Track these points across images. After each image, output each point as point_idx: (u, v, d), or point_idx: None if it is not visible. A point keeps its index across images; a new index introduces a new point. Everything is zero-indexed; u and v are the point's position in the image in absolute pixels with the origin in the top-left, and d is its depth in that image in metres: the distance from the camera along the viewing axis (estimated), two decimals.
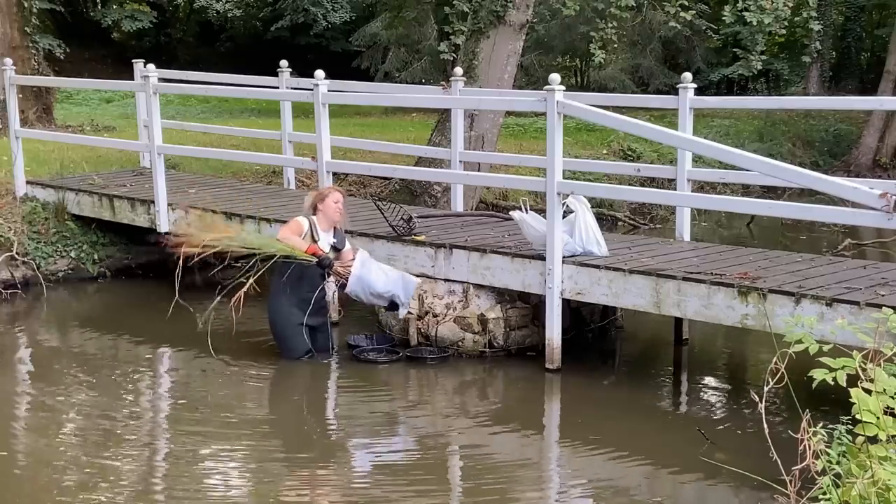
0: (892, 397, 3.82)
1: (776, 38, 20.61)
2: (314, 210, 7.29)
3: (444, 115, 11.78)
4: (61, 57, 17.97)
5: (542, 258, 7.13)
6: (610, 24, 14.84)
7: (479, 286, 7.54)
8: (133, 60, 11.58)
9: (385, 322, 7.98)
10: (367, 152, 12.49)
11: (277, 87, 10.99)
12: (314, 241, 7.14)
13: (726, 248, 7.90)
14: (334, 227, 7.32)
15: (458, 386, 7.18)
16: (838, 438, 4.24)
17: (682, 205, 8.32)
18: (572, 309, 7.68)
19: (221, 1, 24.63)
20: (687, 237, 8.34)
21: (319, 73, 8.76)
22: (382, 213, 8.12)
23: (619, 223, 13.45)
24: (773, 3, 13.61)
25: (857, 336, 4.37)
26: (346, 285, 7.20)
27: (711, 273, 6.62)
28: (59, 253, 10.07)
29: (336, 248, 7.32)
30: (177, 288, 7.33)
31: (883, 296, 5.94)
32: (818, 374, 3.86)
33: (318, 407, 6.85)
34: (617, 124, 7.42)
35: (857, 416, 3.78)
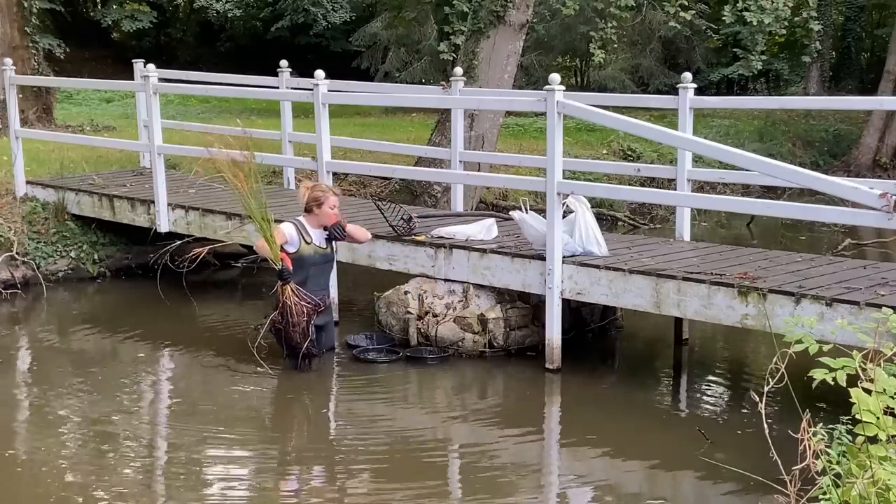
0: (892, 397, 3.81)
1: (776, 38, 20.64)
2: (309, 209, 7.23)
3: (444, 115, 11.79)
4: (61, 57, 17.97)
5: (542, 258, 7.13)
6: (610, 24, 14.87)
7: (479, 286, 7.54)
8: (133, 60, 11.58)
9: (385, 322, 7.98)
10: (367, 152, 12.49)
11: (277, 87, 10.98)
12: (306, 242, 7.11)
13: (726, 248, 7.90)
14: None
15: (458, 386, 7.18)
16: (838, 438, 4.24)
17: (682, 205, 8.31)
18: (572, 309, 7.69)
19: (221, 1, 24.62)
20: (687, 237, 8.34)
21: (319, 73, 8.75)
22: (382, 213, 8.12)
23: (619, 223, 13.45)
24: (773, 3, 13.63)
25: (857, 336, 4.37)
26: (278, 307, 6.95)
27: (711, 273, 6.61)
28: (59, 253, 10.08)
29: (330, 240, 7.29)
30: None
31: (883, 296, 5.94)
32: (818, 374, 3.85)
33: (317, 407, 6.85)
34: (617, 124, 7.42)
35: (857, 416, 3.78)
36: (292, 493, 5.40)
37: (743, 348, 8.09)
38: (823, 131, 20.02)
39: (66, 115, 17.29)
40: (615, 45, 17.92)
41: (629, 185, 10.97)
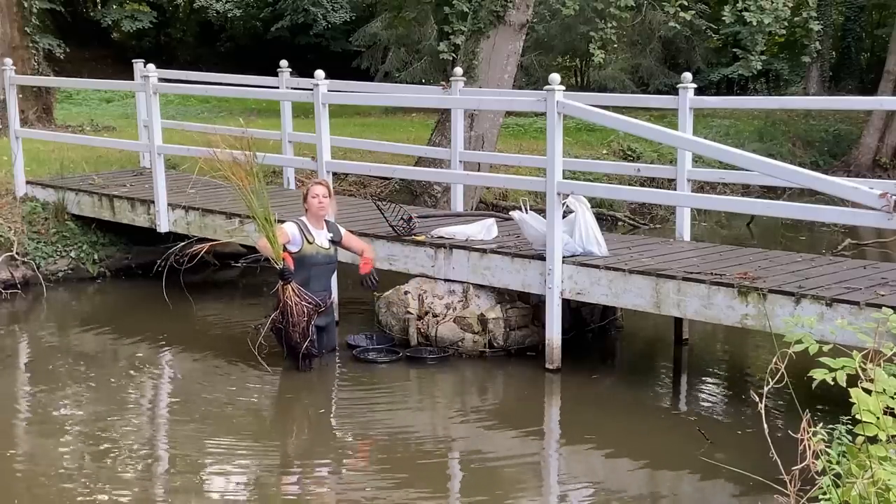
0: (892, 397, 3.81)
1: (776, 38, 20.65)
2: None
3: (444, 115, 11.79)
4: (61, 57, 17.96)
5: (542, 258, 7.13)
6: (610, 24, 14.87)
7: (479, 286, 7.54)
8: (133, 60, 11.58)
9: (385, 322, 7.98)
10: (367, 152, 12.49)
11: (277, 87, 10.98)
12: (308, 242, 7.12)
13: (726, 248, 7.90)
14: (326, 222, 7.30)
15: (458, 386, 7.18)
16: (838, 438, 4.24)
17: (682, 205, 8.32)
18: (572, 309, 7.69)
19: (221, 1, 24.62)
20: (687, 237, 8.35)
21: (319, 73, 8.75)
22: (382, 213, 8.12)
23: (619, 223, 13.45)
24: (772, 3, 13.63)
25: (857, 336, 4.37)
26: (278, 307, 6.96)
27: (711, 273, 6.61)
28: (59, 253, 10.08)
29: (334, 241, 7.30)
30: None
31: (883, 296, 5.94)
32: (818, 374, 3.85)
33: (317, 407, 6.85)
34: (617, 124, 7.42)
35: (857, 416, 3.78)
36: (292, 493, 5.40)
37: (743, 348, 8.09)
38: (823, 131, 20.02)
39: (66, 115, 17.29)
40: (615, 45, 17.93)
41: (629, 185, 10.98)
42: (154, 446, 6.05)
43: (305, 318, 6.95)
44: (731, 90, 25.67)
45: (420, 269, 7.80)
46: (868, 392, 3.79)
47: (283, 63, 11.07)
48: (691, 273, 6.63)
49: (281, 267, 6.92)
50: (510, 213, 7.76)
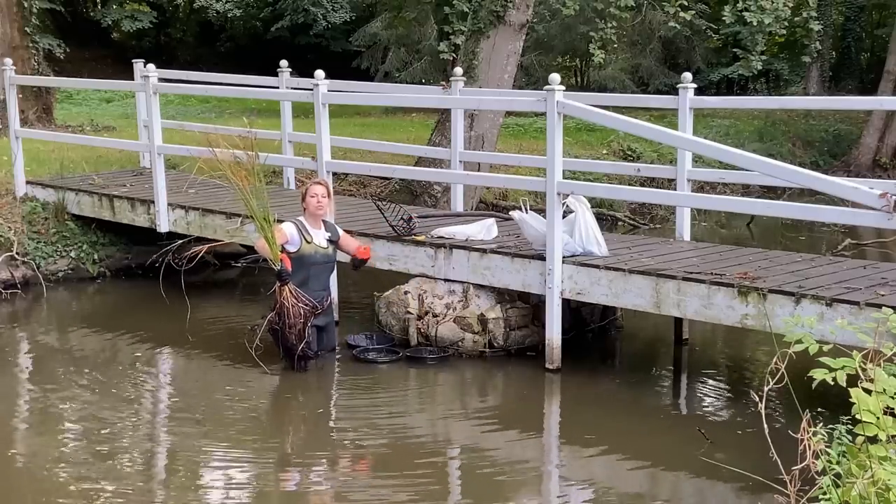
0: (892, 397, 3.81)
1: (776, 38, 20.62)
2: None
3: (444, 115, 11.79)
4: (61, 57, 17.95)
5: (542, 258, 7.13)
6: (610, 24, 14.84)
7: (479, 286, 7.54)
8: (133, 60, 11.59)
9: (385, 322, 7.98)
10: (367, 152, 12.49)
11: (277, 87, 10.98)
12: (307, 242, 7.12)
13: (726, 248, 7.90)
14: (324, 222, 7.29)
15: (458, 386, 7.18)
16: (838, 438, 4.24)
17: (682, 205, 8.31)
18: (572, 309, 7.69)
19: (221, 1, 24.62)
20: (687, 237, 8.34)
21: (319, 73, 8.75)
22: (382, 213, 8.12)
23: (619, 223, 13.45)
24: (773, 3, 13.62)
25: (857, 336, 4.37)
26: (275, 308, 6.98)
27: (711, 273, 6.61)
28: (59, 253, 10.08)
29: (332, 241, 7.30)
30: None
31: (883, 296, 5.94)
32: (818, 374, 3.85)
33: (317, 407, 6.85)
34: (617, 124, 7.42)
35: (857, 416, 3.78)
36: (292, 494, 5.40)
37: (743, 348, 8.09)
38: (823, 131, 20.03)
39: (66, 115, 17.29)
40: (615, 46, 17.89)
41: (629, 185, 10.98)
42: (153, 446, 6.05)
43: (302, 320, 6.95)
44: (731, 90, 25.67)
45: (420, 269, 7.80)
46: (868, 392, 3.79)
47: (283, 63, 11.07)
48: (691, 273, 6.63)
49: (278, 268, 6.92)
50: (510, 213, 7.76)
